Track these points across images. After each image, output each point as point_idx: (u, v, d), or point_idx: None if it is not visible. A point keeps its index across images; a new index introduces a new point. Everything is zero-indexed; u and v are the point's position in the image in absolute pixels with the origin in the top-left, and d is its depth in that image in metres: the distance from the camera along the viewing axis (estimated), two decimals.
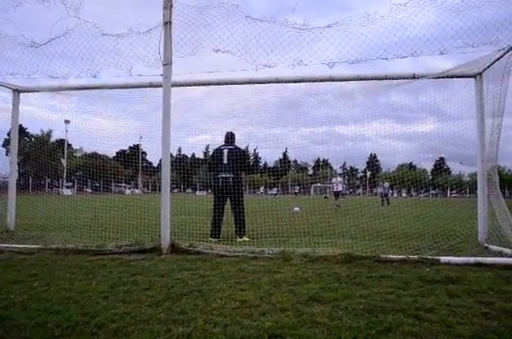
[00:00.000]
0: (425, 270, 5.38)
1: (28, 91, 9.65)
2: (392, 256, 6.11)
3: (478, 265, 5.70)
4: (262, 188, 25.96)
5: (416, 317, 3.44)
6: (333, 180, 23.01)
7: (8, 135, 10.28)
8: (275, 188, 25.63)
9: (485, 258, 5.93)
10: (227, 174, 8.81)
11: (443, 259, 5.91)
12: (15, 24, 7.46)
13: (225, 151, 9.03)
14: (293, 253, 6.34)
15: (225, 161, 8.90)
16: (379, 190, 25.01)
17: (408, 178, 10.72)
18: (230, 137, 9.30)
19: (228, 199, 8.90)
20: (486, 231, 7.59)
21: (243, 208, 8.83)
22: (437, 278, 4.90)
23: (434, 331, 3.14)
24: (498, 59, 6.85)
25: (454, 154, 9.88)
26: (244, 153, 9.13)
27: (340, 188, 22.47)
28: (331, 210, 16.99)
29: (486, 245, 7.26)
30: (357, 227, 9.53)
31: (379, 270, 5.35)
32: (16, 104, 9.54)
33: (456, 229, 8.39)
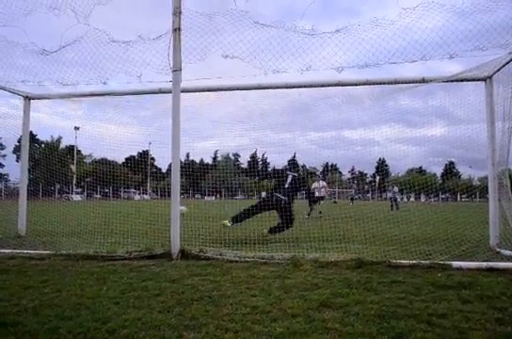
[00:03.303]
0: (437, 275, 5.34)
1: (39, 98, 9.76)
2: (403, 261, 6.07)
3: (490, 270, 5.65)
4: (264, 194, 25.66)
5: (428, 323, 3.41)
6: (315, 184, 19.57)
7: (19, 141, 10.38)
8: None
9: (497, 263, 5.87)
10: (283, 197, 9.60)
11: (455, 264, 5.86)
12: (26, 33, 7.56)
13: (290, 177, 9.89)
14: (303, 259, 6.32)
15: (286, 186, 9.74)
16: (389, 195, 24.75)
17: (417, 182, 10.66)
18: (295, 165, 10.35)
19: (272, 212, 9.79)
20: (497, 235, 7.52)
21: (291, 223, 9.62)
22: (449, 283, 4.87)
23: (447, 337, 3.11)
24: (508, 62, 6.83)
25: (464, 158, 9.83)
26: (304, 180, 10.23)
27: (323, 194, 19.66)
28: (317, 217, 16.17)
29: (498, 249, 7.20)
30: (367, 232, 9.47)
31: (390, 276, 5.32)
32: (27, 110, 9.65)
33: (468, 233, 8.34)
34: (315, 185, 19.44)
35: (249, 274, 5.46)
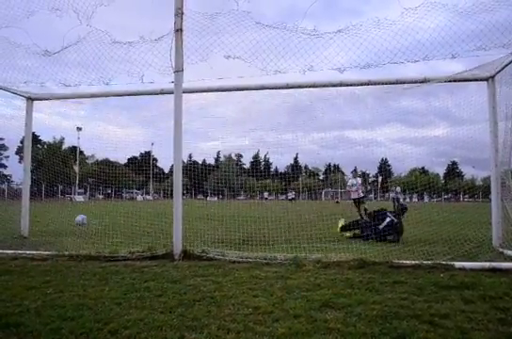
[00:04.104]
0: (440, 276, 5.33)
1: (41, 99, 9.77)
2: (405, 262, 6.06)
3: (493, 270, 5.63)
4: (266, 194, 25.55)
5: (431, 324, 3.41)
6: (349, 182, 15.73)
7: (22, 142, 10.41)
8: (293, 192, 24.45)
9: (500, 263, 5.86)
10: (373, 235, 9.57)
11: (458, 264, 5.85)
12: (28, 34, 7.58)
13: (388, 219, 9.71)
14: (305, 259, 6.33)
15: (381, 227, 9.61)
16: (391, 195, 24.63)
17: (420, 183, 10.67)
18: (404, 210, 10.21)
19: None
20: (500, 236, 7.50)
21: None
22: (451, 283, 4.86)
23: (449, 338, 3.11)
24: (511, 62, 6.81)
25: (466, 159, 9.83)
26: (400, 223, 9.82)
27: (361, 194, 15.46)
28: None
29: (501, 250, 7.18)
30: None
31: (393, 276, 5.31)
32: (29, 111, 9.67)
33: (470, 234, 8.32)
34: (350, 182, 15.82)
35: (252, 275, 5.46)
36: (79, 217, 11.43)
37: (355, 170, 15.09)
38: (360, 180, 15.95)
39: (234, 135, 9.25)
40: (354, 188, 15.42)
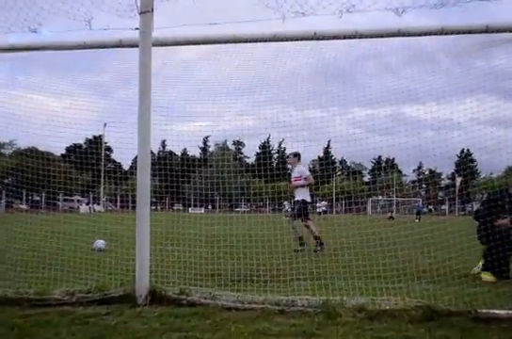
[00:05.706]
0: None
1: None
2: (498, 312, 6.03)
3: None
4: (286, 204, 25.53)
5: None
6: (295, 170, 15.35)
7: None
8: (323, 203, 24.19)
9: None
10: None
11: None
12: None
13: None
14: (341, 305, 6.31)
15: None
16: (477, 207, 24.61)
17: None
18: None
19: None
20: None
21: None
22: None
23: None
24: None
25: None
26: None
27: (303, 197, 14.85)
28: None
29: None
30: (440, 264, 9.44)
31: (479, 334, 5.29)
32: None
33: None
34: (295, 170, 15.43)
35: (257, 329, 5.45)
36: (99, 244, 12.37)
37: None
38: (308, 171, 15.50)
39: (232, 111, 9.18)
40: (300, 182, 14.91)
